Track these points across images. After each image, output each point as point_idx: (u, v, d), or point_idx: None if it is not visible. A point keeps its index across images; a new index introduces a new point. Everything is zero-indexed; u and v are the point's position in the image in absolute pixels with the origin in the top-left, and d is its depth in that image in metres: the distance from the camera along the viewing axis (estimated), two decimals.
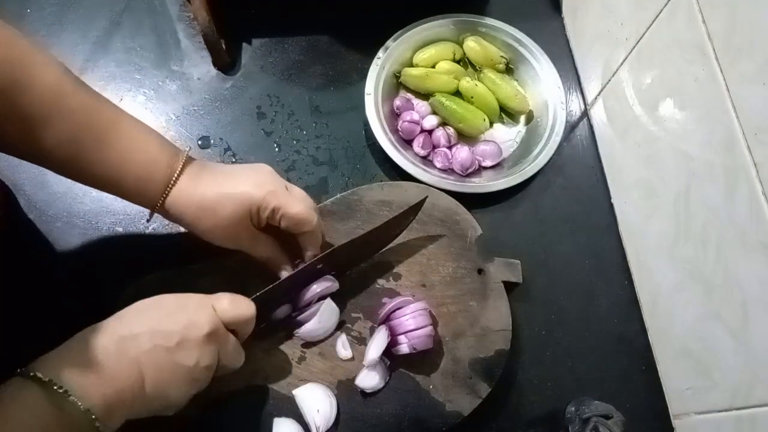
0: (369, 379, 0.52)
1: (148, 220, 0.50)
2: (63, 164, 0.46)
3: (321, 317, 0.52)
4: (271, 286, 0.49)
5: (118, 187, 0.47)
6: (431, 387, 0.53)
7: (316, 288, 0.52)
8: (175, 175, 0.47)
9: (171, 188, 0.47)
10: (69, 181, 0.61)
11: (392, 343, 0.52)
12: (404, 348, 0.52)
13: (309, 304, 0.53)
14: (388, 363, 0.54)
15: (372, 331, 0.55)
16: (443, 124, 0.69)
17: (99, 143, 0.45)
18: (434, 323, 0.54)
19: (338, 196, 0.60)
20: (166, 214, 0.49)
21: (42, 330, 0.54)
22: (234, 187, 0.48)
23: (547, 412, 0.58)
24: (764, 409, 0.46)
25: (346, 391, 0.53)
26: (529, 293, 0.62)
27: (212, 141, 0.66)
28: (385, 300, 0.56)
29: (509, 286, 0.59)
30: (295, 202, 0.49)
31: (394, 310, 0.54)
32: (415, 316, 0.52)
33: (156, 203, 0.48)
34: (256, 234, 0.51)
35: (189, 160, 0.49)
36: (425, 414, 0.53)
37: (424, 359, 0.54)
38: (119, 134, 0.46)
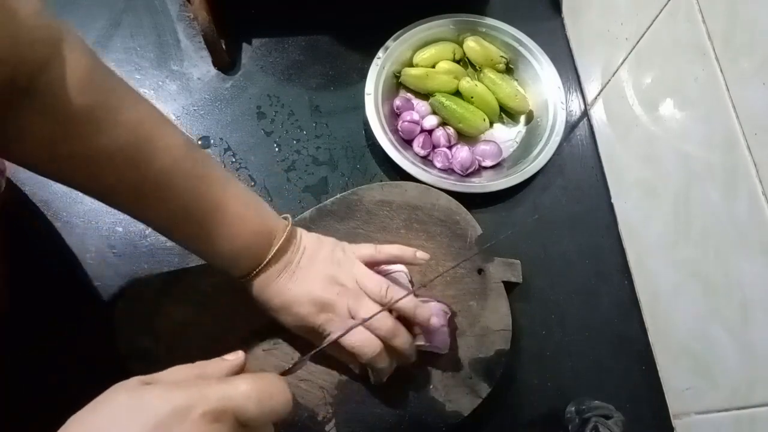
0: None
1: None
2: (161, 231, 0.47)
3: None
4: (305, 357, 0.44)
5: (208, 261, 0.49)
6: (431, 387, 0.54)
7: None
8: (259, 269, 0.48)
9: (257, 275, 0.48)
10: None
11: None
12: (419, 340, 0.51)
13: None
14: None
15: None
16: (443, 124, 0.69)
17: (198, 226, 0.45)
18: (451, 328, 0.54)
19: (338, 196, 0.60)
20: (248, 292, 0.49)
21: (42, 330, 0.54)
22: (307, 288, 0.48)
23: (547, 412, 0.58)
24: (764, 409, 0.46)
25: (346, 391, 0.53)
26: (529, 293, 0.62)
27: (212, 141, 0.66)
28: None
29: (509, 286, 0.59)
30: (355, 312, 0.47)
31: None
32: (436, 314, 0.52)
33: (243, 279, 0.48)
34: (334, 321, 0.48)
35: (281, 249, 0.48)
36: (425, 414, 0.53)
37: (425, 359, 0.54)
38: (216, 222, 0.46)
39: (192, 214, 0.44)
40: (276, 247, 0.48)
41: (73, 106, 0.37)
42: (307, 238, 0.51)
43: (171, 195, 0.43)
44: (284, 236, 0.48)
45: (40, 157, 0.39)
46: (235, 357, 0.36)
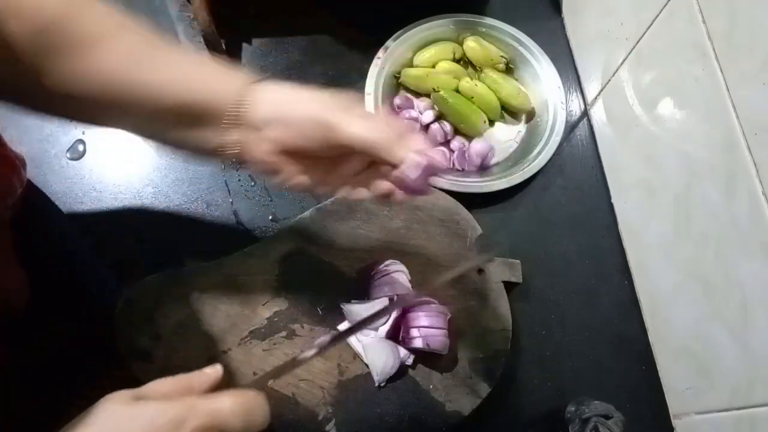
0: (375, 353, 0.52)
1: (227, 120, 0.42)
2: (121, 82, 0.40)
3: (371, 309, 0.53)
4: (289, 360, 0.42)
5: (187, 87, 0.41)
6: (431, 387, 0.54)
7: (388, 290, 0.54)
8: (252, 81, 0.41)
9: (251, 86, 0.41)
10: (69, 181, 0.61)
11: (405, 334, 0.53)
12: (417, 342, 0.52)
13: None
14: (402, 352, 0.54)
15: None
16: (439, 118, 0.69)
17: (163, 51, 0.41)
18: (451, 330, 0.54)
19: (338, 195, 0.60)
20: (239, 119, 0.41)
21: (42, 330, 0.54)
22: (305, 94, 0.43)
23: (547, 412, 0.58)
24: (764, 409, 0.46)
25: (346, 391, 0.53)
26: (529, 293, 0.62)
27: None
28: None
29: (509, 286, 0.59)
30: (353, 121, 0.41)
31: (414, 305, 0.54)
32: (431, 316, 0.52)
33: (227, 109, 0.40)
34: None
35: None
36: (425, 414, 0.53)
37: (425, 359, 0.54)
38: (181, 48, 0.43)
39: (153, 42, 0.42)
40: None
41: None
42: None
43: (122, 27, 0.42)
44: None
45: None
46: (214, 371, 0.37)
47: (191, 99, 0.40)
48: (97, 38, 0.40)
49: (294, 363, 0.42)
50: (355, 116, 0.41)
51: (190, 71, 0.41)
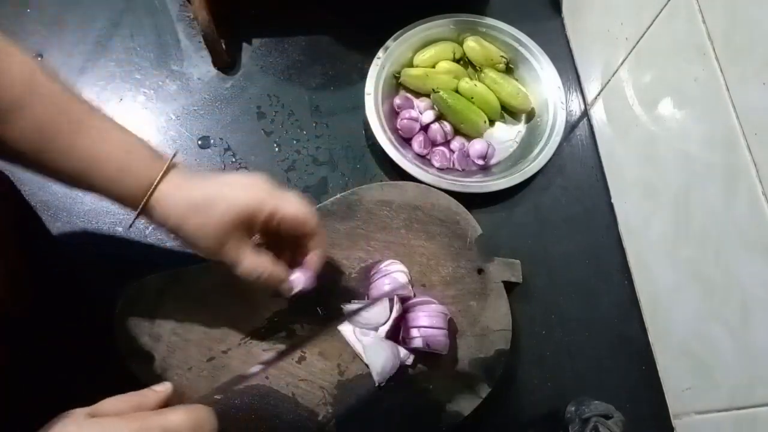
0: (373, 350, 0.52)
1: (129, 226, 0.46)
2: (30, 156, 0.42)
3: (371, 309, 0.53)
4: (235, 376, 0.44)
5: (91, 180, 0.43)
6: (431, 387, 0.54)
7: (387, 287, 0.54)
8: (161, 172, 0.44)
9: (157, 184, 0.43)
10: None
11: (405, 334, 0.53)
12: (417, 342, 0.52)
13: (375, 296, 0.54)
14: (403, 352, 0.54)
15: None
16: (439, 118, 0.69)
17: (71, 132, 0.42)
18: (451, 330, 0.54)
19: (338, 196, 0.60)
20: (149, 216, 0.45)
21: (42, 330, 0.54)
22: (227, 189, 0.45)
23: (547, 412, 0.58)
24: (764, 409, 0.46)
25: (346, 391, 0.53)
26: (529, 293, 0.62)
27: (212, 141, 0.66)
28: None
29: (509, 286, 0.59)
30: (292, 202, 0.46)
31: (415, 305, 0.54)
32: (431, 316, 0.52)
33: (136, 201, 0.44)
34: (243, 244, 0.45)
35: (175, 163, 0.46)
36: (425, 414, 0.53)
37: (425, 360, 0.54)
38: (93, 124, 0.43)
39: (65, 120, 0.42)
40: (175, 154, 0.46)
41: None
42: None
43: (36, 98, 0.41)
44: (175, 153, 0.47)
45: None
46: (164, 388, 0.39)
47: (99, 188, 0.44)
48: (8, 109, 0.40)
49: (240, 379, 0.44)
50: (286, 198, 0.46)
51: (93, 162, 0.43)
